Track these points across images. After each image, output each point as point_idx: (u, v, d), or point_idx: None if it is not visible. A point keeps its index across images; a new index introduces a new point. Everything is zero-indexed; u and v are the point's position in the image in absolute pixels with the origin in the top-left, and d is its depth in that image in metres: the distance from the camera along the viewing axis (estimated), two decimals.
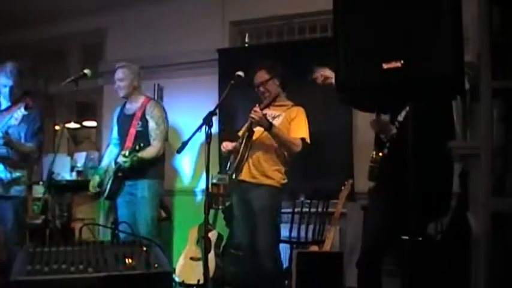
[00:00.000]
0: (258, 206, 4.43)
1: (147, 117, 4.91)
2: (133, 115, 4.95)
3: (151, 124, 4.90)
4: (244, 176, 4.49)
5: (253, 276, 4.59)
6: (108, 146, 5.34)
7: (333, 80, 3.52)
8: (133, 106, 5.02)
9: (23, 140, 4.74)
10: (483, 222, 2.45)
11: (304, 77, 4.09)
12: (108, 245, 2.80)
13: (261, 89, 4.57)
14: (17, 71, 4.92)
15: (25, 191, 4.87)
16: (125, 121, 5.01)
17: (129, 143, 4.83)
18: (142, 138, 4.83)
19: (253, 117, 4.31)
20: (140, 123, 4.89)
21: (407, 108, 3.31)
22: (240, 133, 4.74)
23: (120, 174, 4.81)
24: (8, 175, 4.66)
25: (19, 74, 4.93)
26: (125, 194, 4.91)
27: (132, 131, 4.86)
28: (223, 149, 4.66)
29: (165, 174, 5.05)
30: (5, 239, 4.73)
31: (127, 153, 4.61)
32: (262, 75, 4.56)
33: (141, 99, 5.05)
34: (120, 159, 4.69)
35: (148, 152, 4.77)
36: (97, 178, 4.98)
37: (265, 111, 4.47)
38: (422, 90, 2.53)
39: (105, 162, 5.16)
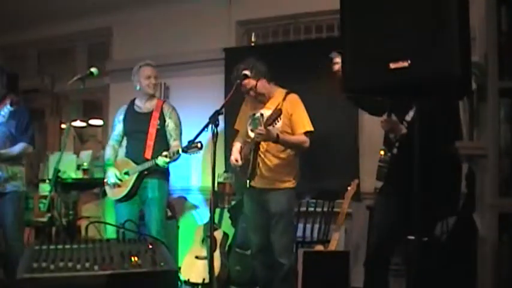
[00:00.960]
0: (276, 209, 4.44)
1: (166, 117, 4.96)
2: (149, 114, 4.97)
3: (171, 124, 4.96)
4: (259, 183, 4.50)
5: (266, 276, 4.61)
6: (108, 142, 5.24)
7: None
8: (148, 105, 5.03)
9: (14, 132, 4.79)
10: (490, 222, 2.44)
11: (310, 76, 4.08)
12: (114, 243, 2.81)
13: (252, 93, 4.54)
14: None
15: (23, 186, 4.87)
16: (138, 119, 5.00)
17: (150, 141, 4.85)
18: (160, 137, 4.89)
19: (258, 137, 4.30)
20: (159, 121, 4.92)
21: (415, 108, 3.31)
22: (239, 128, 4.74)
23: (146, 172, 4.80)
24: (5, 173, 4.67)
25: None
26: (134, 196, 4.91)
27: (152, 130, 4.88)
28: (232, 164, 4.64)
29: (172, 174, 5.05)
30: (5, 235, 4.74)
31: (171, 154, 4.64)
32: (247, 82, 4.47)
33: (155, 100, 5.09)
34: (162, 160, 4.65)
35: (178, 157, 4.78)
36: (114, 169, 4.92)
37: (262, 111, 4.46)
38: (429, 90, 2.53)
39: (108, 155, 5.11)
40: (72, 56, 8.02)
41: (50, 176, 5.58)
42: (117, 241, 2.84)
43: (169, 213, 6.12)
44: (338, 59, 3.74)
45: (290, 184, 4.50)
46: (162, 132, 4.93)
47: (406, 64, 2.34)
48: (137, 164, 4.83)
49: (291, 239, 4.67)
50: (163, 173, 4.89)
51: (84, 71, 4.63)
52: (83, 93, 7.28)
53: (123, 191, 4.85)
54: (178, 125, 5.00)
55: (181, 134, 5.00)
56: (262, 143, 4.43)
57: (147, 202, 4.85)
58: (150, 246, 2.71)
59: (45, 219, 5.33)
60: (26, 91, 7.51)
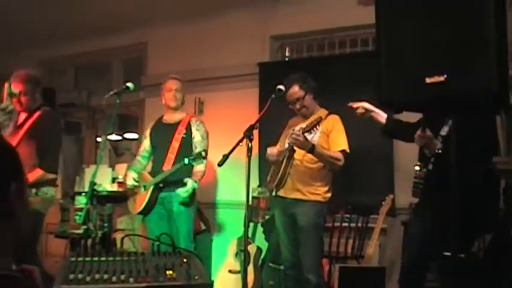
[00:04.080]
0: (303, 222, 4.44)
1: (193, 128, 4.97)
2: (176, 124, 4.98)
3: (198, 136, 4.95)
4: (289, 192, 4.50)
5: None
6: (136, 157, 5.30)
7: (373, 114, 3.58)
8: (175, 117, 5.06)
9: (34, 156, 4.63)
10: None
11: (345, 91, 4.09)
12: (149, 256, 2.82)
13: (297, 105, 4.57)
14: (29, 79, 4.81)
15: (44, 208, 4.85)
16: (164, 129, 5.03)
17: (171, 154, 4.85)
18: (185, 148, 4.86)
19: (294, 142, 4.31)
20: (185, 130, 4.92)
21: (450, 122, 3.29)
22: (281, 148, 4.76)
23: (161, 185, 4.79)
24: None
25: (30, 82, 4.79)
26: (157, 209, 4.91)
27: (175, 144, 4.88)
28: (268, 152, 4.65)
29: (205, 187, 5.07)
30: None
31: (187, 161, 4.61)
32: (296, 92, 4.53)
33: (183, 114, 5.11)
34: (181, 192, 4.69)
35: (201, 166, 4.82)
36: (133, 172, 4.98)
37: (301, 125, 4.47)
38: (465, 105, 2.50)
39: (134, 167, 5.15)
40: (108, 70, 8.14)
41: (86, 189, 5.63)
42: (152, 254, 2.85)
43: (203, 227, 6.14)
44: (355, 105, 3.79)
45: (320, 198, 4.47)
46: (187, 143, 4.91)
47: (442, 79, 2.32)
48: (156, 176, 4.85)
49: (319, 255, 4.62)
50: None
51: (119, 86, 4.69)
52: (119, 107, 7.38)
53: (141, 205, 4.87)
54: (205, 138, 4.99)
55: (207, 148, 4.97)
56: (296, 153, 4.44)
57: (172, 216, 4.85)
58: (185, 260, 2.72)
59: (80, 231, 5.37)
60: (62, 105, 7.64)
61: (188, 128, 4.95)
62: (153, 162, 5.08)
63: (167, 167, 4.80)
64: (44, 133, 4.66)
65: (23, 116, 4.79)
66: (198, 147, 4.89)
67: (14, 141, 4.65)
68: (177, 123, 4.99)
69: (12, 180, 1.29)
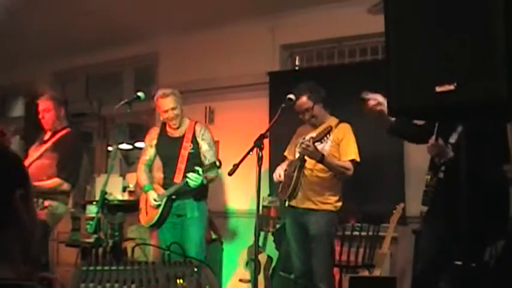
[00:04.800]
0: (315, 231, 4.45)
1: (198, 139, 4.84)
2: (181, 137, 4.88)
3: (205, 146, 4.84)
4: (300, 202, 4.52)
5: None
6: (139, 167, 5.18)
7: (385, 108, 3.55)
8: (181, 129, 4.94)
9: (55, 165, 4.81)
10: None
11: (355, 100, 4.07)
12: (160, 265, 2.83)
13: (306, 116, 4.58)
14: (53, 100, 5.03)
15: (53, 222, 4.89)
16: (170, 144, 4.93)
17: (181, 164, 4.76)
18: (193, 160, 4.77)
19: (305, 152, 4.32)
20: (192, 145, 4.81)
21: (459, 129, 3.28)
22: (288, 155, 4.76)
23: (173, 197, 4.73)
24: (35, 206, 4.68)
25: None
26: (170, 217, 4.84)
27: (184, 153, 4.79)
28: (275, 179, 4.67)
29: (216, 196, 5.07)
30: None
31: (200, 171, 4.50)
32: (305, 102, 4.54)
33: (187, 122, 4.97)
34: (192, 176, 4.53)
35: (214, 172, 4.74)
36: (153, 192, 4.84)
37: (312, 133, 4.48)
38: (475, 113, 2.49)
39: (144, 180, 5.02)
40: (120, 80, 8.18)
41: (97, 198, 5.66)
42: (162, 263, 2.86)
43: (214, 236, 6.14)
44: (369, 95, 3.77)
45: (331, 207, 4.49)
46: (195, 154, 4.82)
47: (452, 87, 2.32)
48: (168, 188, 4.79)
49: (330, 264, 4.62)
50: (199, 193, 4.78)
51: (130, 95, 4.72)
52: (130, 117, 7.42)
53: (154, 218, 4.81)
54: (212, 146, 4.90)
55: (215, 155, 4.91)
56: (307, 162, 4.44)
57: (186, 222, 4.77)
58: (196, 269, 2.72)
59: (91, 240, 5.39)
60: (74, 115, 7.67)
61: (194, 141, 4.85)
62: (164, 175, 4.99)
63: (178, 177, 4.73)
64: (65, 148, 4.87)
65: (48, 134, 5.01)
66: (207, 156, 4.81)
67: (37, 154, 4.88)
68: (182, 137, 4.89)
69: (17, 187, 1.30)
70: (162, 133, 5.04)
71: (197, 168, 4.53)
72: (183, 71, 7.00)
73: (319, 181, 4.49)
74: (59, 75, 8.75)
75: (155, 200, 4.78)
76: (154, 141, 5.05)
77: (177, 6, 6.29)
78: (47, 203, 4.72)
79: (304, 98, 4.52)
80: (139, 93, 4.59)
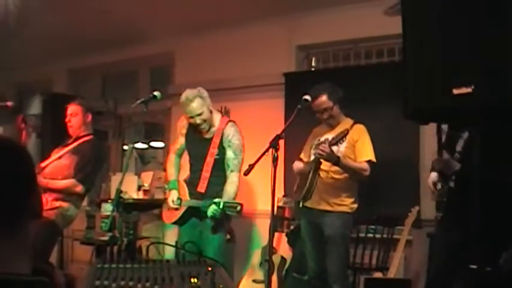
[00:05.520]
0: (330, 232, 4.45)
1: (225, 145, 4.67)
2: (210, 140, 4.71)
3: (230, 153, 4.66)
4: (316, 204, 4.52)
5: None
6: (170, 157, 5.11)
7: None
8: (211, 129, 4.75)
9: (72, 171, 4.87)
10: None
11: (370, 102, 4.10)
12: (174, 264, 2.84)
13: (325, 115, 4.58)
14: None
15: (63, 224, 4.91)
16: (200, 144, 4.76)
17: (206, 173, 4.64)
18: (218, 165, 4.66)
19: (321, 154, 4.33)
20: (218, 151, 4.66)
21: (465, 136, 3.27)
22: (304, 157, 4.76)
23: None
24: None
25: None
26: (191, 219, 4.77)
27: (210, 160, 4.65)
28: (294, 168, 4.68)
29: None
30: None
31: (221, 206, 4.33)
32: (324, 102, 4.55)
33: (217, 119, 4.79)
34: (212, 208, 4.39)
35: (232, 193, 4.57)
36: (175, 193, 4.75)
37: (327, 135, 4.48)
38: (493, 116, 2.48)
39: (172, 175, 4.95)
40: (135, 79, 8.22)
41: (112, 196, 5.70)
42: (177, 262, 2.87)
43: (228, 237, 6.15)
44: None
45: (347, 208, 4.49)
46: (220, 161, 4.68)
47: (469, 90, 2.30)
48: (191, 194, 4.71)
49: (345, 265, 4.62)
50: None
51: (146, 95, 4.73)
52: (145, 116, 7.46)
53: (174, 219, 4.77)
54: (238, 154, 4.68)
55: (241, 163, 4.69)
56: (323, 164, 4.45)
57: (206, 226, 4.65)
58: (210, 269, 2.73)
59: (106, 238, 5.43)
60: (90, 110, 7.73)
61: (220, 146, 4.67)
62: (190, 174, 4.88)
63: (202, 187, 4.63)
64: (86, 152, 4.93)
65: (72, 139, 5.08)
66: (230, 165, 4.64)
67: (58, 155, 4.96)
68: (211, 138, 4.71)
69: (32, 182, 1.32)
70: (193, 126, 4.83)
71: (218, 200, 4.37)
72: (199, 71, 7.01)
73: (334, 183, 4.49)
74: (75, 73, 8.81)
75: (173, 203, 4.72)
76: (184, 131, 4.92)
77: (193, 6, 6.31)
78: (58, 203, 4.75)
79: (324, 97, 4.53)
80: (156, 93, 4.60)
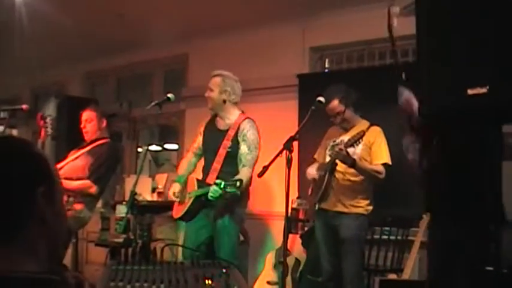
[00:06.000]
0: (346, 234, 4.45)
1: (239, 138, 4.55)
2: (225, 132, 4.63)
3: (243, 148, 4.53)
4: (331, 205, 4.52)
5: None
6: (187, 155, 5.09)
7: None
8: (226, 121, 4.70)
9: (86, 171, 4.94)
10: None
11: (384, 103, 4.05)
12: (188, 265, 2.84)
13: (338, 119, 4.58)
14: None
15: (77, 227, 5.02)
16: (214, 135, 4.70)
17: (217, 164, 4.55)
18: (231, 159, 4.55)
19: (336, 156, 4.32)
20: (231, 143, 4.55)
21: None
22: (318, 158, 4.76)
23: (203, 198, 4.50)
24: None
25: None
26: (200, 218, 4.66)
27: (222, 152, 4.55)
28: (308, 176, 4.68)
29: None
30: None
31: (222, 185, 4.10)
32: (336, 106, 4.56)
33: (235, 115, 4.71)
34: (212, 189, 4.24)
35: (243, 177, 4.34)
36: (178, 186, 4.74)
37: (342, 136, 4.48)
38: (509, 117, 2.46)
39: (181, 170, 4.95)
40: (150, 82, 8.25)
41: (127, 198, 5.72)
42: (191, 264, 2.87)
43: (242, 238, 6.15)
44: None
45: (362, 210, 4.49)
46: (233, 154, 4.55)
47: (484, 90, 2.29)
48: (200, 186, 4.59)
49: (360, 267, 4.62)
50: (236, 199, 4.45)
51: (160, 97, 4.75)
52: (159, 118, 7.48)
53: (181, 212, 4.69)
54: (253, 150, 4.55)
55: (254, 159, 4.59)
56: (339, 166, 4.44)
57: (217, 228, 4.57)
58: (224, 270, 2.73)
59: (121, 240, 5.45)
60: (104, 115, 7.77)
61: (234, 139, 4.56)
62: (203, 168, 4.81)
63: (212, 178, 4.49)
64: (101, 154, 5.05)
65: (88, 142, 5.19)
66: (243, 160, 4.52)
67: (74, 156, 5.07)
68: (227, 130, 4.63)
69: (40, 184, 1.32)
70: (211, 121, 4.84)
71: (218, 181, 4.18)
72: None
73: (350, 185, 4.49)
74: (90, 76, 8.87)
75: (174, 195, 4.72)
76: (202, 128, 4.87)
77: (206, 8, 6.32)
78: (70, 206, 4.80)
79: (335, 102, 4.52)
80: (170, 95, 4.61)
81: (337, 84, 4.63)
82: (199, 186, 4.64)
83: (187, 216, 4.70)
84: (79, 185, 4.86)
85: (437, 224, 3.63)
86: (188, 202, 4.65)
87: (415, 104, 3.10)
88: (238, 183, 4.13)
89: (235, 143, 4.57)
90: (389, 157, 4.47)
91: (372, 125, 4.59)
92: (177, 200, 4.73)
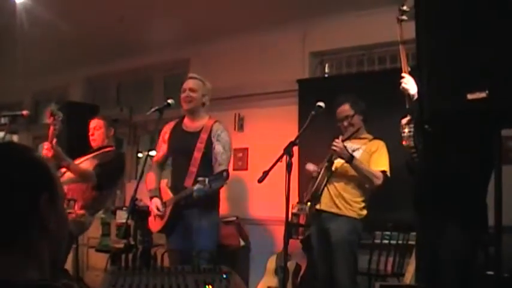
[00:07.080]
0: (336, 237, 4.45)
1: (213, 139, 4.52)
2: (197, 134, 4.58)
3: (218, 147, 4.50)
4: (325, 206, 4.52)
5: None
6: (152, 165, 4.97)
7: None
8: (196, 124, 4.66)
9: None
10: None
11: (384, 108, 4.10)
12: (189, 271, 2.84)
13: (345, 123, 4.61)
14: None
15: (78, 232, 5.07)
16: (185, 138, 4.65)
17: (193, 168, 4.47)
18: (206, 161, 4.49)
19: (334, 149, 4.35)
20: (205, 145, 4.51)
21: None
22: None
23: (182, 203, 4.45)
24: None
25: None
26: (180, 225, 4.57)
27: (197, 155, 4.49)
28: (307, 169, 4.69)
29: (245, 203, 5.05)
30: None
31: (206, 182, 4.02)
32: (346, 110, 4.62)
33: (205, 119, 4.68)
34: (198, 187, 4.08)
35: (219, 184, 4.22)
36: (158, 200, 4.64)
37: (346, 143, 4.49)
38: (509, 121, 2.47)
39: (152, 183, 4.82)
40: (150, 87, 8.25)
41: (127, 204, 5.73)
42: (191, 270, 2.88)
43: (243, 243, 6.15)
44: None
45: (354, 214, 4.49)
46: (208, 156, 4.50)
47: (484, 95, 2.29)
48: (176, 192, 4.52)
49: (353, 272, 4.59)
50: (209, 202, 4.43)
51: (161, 102, 4.75)
52: (160, 124, 7.47)
53: (160, 224, 4.62)
54: (227, 150, 4.54)
55: (229, 159, 4.59)
56: (334, 166, 4.46)
57: (194, 233, 4.46)
58: (224, 276, 2.73)
59: (121, 246, 5.45)
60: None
61: (208, 141, 4.52)
62: (172, 174, 4.76)
63: (189, 181, 4.41)
64: (106, 158, 5.12)
65: (94, 149, 5.27)
66: (218, 159, 4.48)
67: (80, 160, 5.10)
68: (199, 132, 4.58)
69: (42, 191, 1.32)
70: (177, 126, 4.80)
71: (201, 178, 4.09)
72: (213, 78, 6.94)
73: (346, 186, 4.51)
74: (91, 81, 8.87)
75: (158, 210, 4.59)
76: (167, 135, 4.83)
77: (207, 13, 6.33)
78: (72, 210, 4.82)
79: (346, 106, 4.61)
80: (170, 101, 4.60)
81: (348, 93, 4.69)
82: (175, 193, 4.57)
83: (168, 227, 4.63)
84: (83, 168, 4.91)
85: (424, 227, 3.66)
86: (167, 212, 4.57)
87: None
88: (225, 174, 4.14)
89: (209, 145, 4.55)
90: (389, 168, 4.49)
91: (376, 137, 4.64)
92: (162, 213, 4.59)
